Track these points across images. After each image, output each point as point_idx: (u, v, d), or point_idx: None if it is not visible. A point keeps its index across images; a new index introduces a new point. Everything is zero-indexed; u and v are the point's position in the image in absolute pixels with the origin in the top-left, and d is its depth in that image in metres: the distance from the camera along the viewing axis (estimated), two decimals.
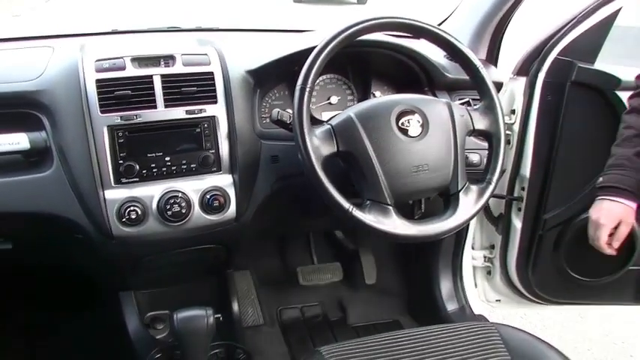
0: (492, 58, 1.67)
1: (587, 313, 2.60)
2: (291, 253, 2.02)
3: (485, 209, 1.92)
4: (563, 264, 1.84)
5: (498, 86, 1.56)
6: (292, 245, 2.03)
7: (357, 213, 1.14)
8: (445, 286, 1.91)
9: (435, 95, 1.50)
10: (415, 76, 1.51)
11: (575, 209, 1.77)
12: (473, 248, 1.99)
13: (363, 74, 1.54)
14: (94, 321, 1.67)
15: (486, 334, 1.32)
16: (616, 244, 1.52)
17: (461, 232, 1.87)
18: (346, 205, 1.14)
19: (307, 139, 1.13)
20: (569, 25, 1.63)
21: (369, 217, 1.15)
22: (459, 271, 1.91)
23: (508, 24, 1.65)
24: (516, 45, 1.76)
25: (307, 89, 1.16)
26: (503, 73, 1.70)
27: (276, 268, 2.02)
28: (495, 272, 1.96)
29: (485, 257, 1.98)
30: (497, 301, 2.03)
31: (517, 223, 1.84)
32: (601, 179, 1.50)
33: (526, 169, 1.75)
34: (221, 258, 1.46)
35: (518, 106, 1.74)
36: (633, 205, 1.46)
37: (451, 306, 1.89)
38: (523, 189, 1.80)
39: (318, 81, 1.51)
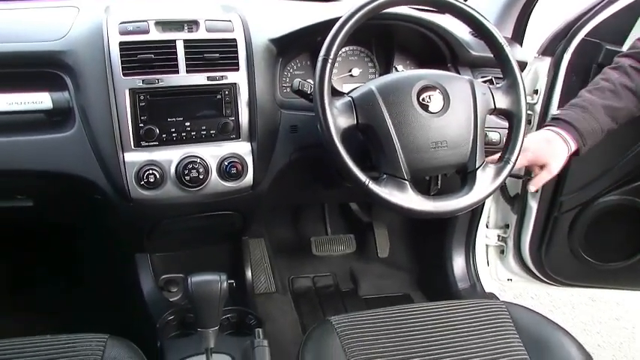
0: (518, 36, 1.65)
1: (598, 296, 2.60)
2: (306, 223, 2.04)
3: (502, 189, 1.92)
4: (577, 247, 1.84)
5: (523, 66, 1.54)
6: (307, 215, 2.04)
7: (373, 186, 1.14)
8: (457, 263, 1.91)
9: (457, 72, 1.48)
10: (438, 51, 1.50)
11: (592, 193, 1.76)
12: (487, 227, 2.00)
13: (386, 47, 1.53)
14: (111, 281, 1.70)
15: (496, 312, 1.33)
16: (532, 187, 1.41)
17: (476, 211, 1.87)
18: (363, 178, 1.14)
19: (327, 111, 1.13)
20: (599, 6, 1.60)
21: (384, 191, 1.15)
22: (471, 248, 1.92)
23: (536, 2, 1.62)
24: (543, 25, 1.74)
25: (330, 60, 1.15)
26: (528, 52, 1.67)
27: (290, 237, 2.04)
28: (508, 252, 1.97)
29: (499, 236, 1.98)
30: (508, 280, 2.03)
31: (533, 203, 1.83)
32: (558, 112, 1.42)
33: None
34: (237, 225, 1.47)
35: (541, 86, 1.72)
36: (572, 146, 1.35)
37: (462, 283, 1.90)
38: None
39: (340, 52, 1.51)
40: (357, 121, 1.17)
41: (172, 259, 1.57)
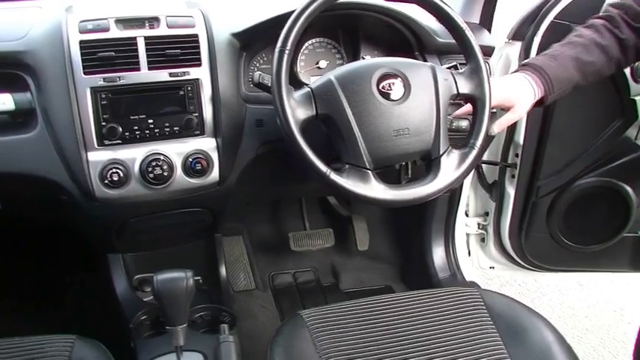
0: (486, 21, 1.64)
1: (586, 281, 2.60)
2: (284, 219, 2.03)
3: (479, 176, 1.92)
4: (556, 231, 1.83)
5: (490, 51, 1.53)
6: (285, 211, 2.03)
7: (335, 177, 1.13)
8: (437, 253, 1.91)
9: (424, 59, 1.47)
10: (405, 40, 1.48)
11: (568, 176, 1.76)
12: (467, 215, 1.99)
13: (353, 39, 1.52)
14: (85, 282, 1.70)
15: (469, 299, 1.32)
16: (495, 127, 1.35)
17: (453, 200, 1.86)
18: (323, 168, 1.13)
19: (285, 102, 1.12)
20: None
21: (346, 181, 1.14)
22: (451, 238, 1.91)
23: None
24: (513, 9, 1.73)
25: (287, 51, 1.14)
26: (497, 38, 1.66)
27: (270, 233, 2.03)
28: (489, 239, 1.96)
29: (479, 224, 1.98)
30: (490, 268, 2.03)
31: (510, 190, 1.83)
32: (527, 59, 1.40)
33: (520, 135, 1.74)
34: (207, 222, 1.46)
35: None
36: (539, 91, 1.32)
37: (442, 273, 1.89)
38: (517, 155, 1.79)
39: (306, 45, 1.50)
40: (317, 111, 1.15)
41: (146, 259, 1.57)
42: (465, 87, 1.24)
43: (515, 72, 1.36)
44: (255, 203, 1.94)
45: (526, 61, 1.38)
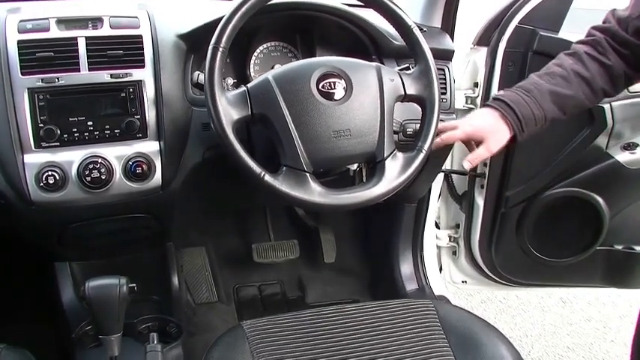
0: (448, 26, 1.60)
1: (569, 298, 2.54)
2: (250, 230, 1.97)
3: (449, 186, 1.87)
4: (526, 243, 1.78)
5: (450, 55, 1.49)
6: (251, 222, 1.98)
7: (269, 178, 1.08)
8: (405, 265, 1.84)
9: (382, 63, 1.43)
10: (362, 42, 1.45)
11: (537, 186, 1.71)
12: (438, 228, 1.93)
13: (310, 42, 1.48)
14: (31, 291, 1.65)
15: (422, 310, 1.27)
16: (465, 163, 1.31)
17: (420, 211, 1.80)
18: (257, 170, 1.08)
19: (217, 101, 1.08)
20: None
21: (282, 184, 1.09)
22: (419, 250, 1.85)
23: None
24: (479, 15, 1.69)
25: (220, 48, 1.10)
26: (460, 43, 1.63)
27: (234, 245, 1.97)
28: (460, 252, 1.91)
29: (450, 237, 1.92)
30: (463, 282, 1.97)
31: (480, 200, 1.78)
32: (501, 92, 1.33)
33: None
34: (154, 229, 1.41)
35: (481, 78, 1.67)
36: (506, 132, 1.26)
37: (411, 286, 1.82)
38: (485, 165, 1.73)
39: (261, 48, 1.47)
40: (252, 111, 1.11)
41: (96, 268, 1.50)
42: (412, 88, 1.20)
43: (487, 105, 1.31)
44: (214, 212, 1.89)
45: (499, 94, 1.32)
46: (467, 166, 1.32)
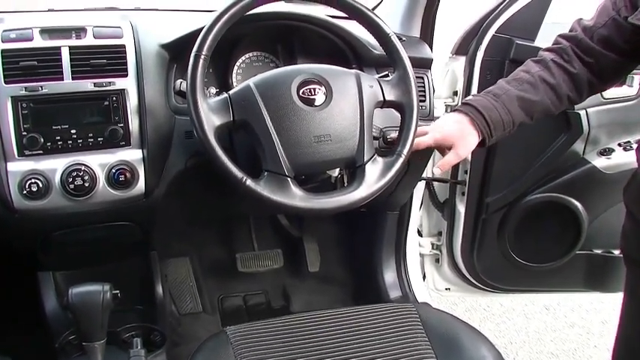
0: (427, 35, 1.63)
1: (552, 305, 2.56)
2: (235, 240, 1.97)
3: (431, 194, 1.89)
4: (507, 249, 1.80)
5: (429, 63, 1.51)
6: (236, 232, 1.98)
7: (250, 183, 1.10)
8: (388, 273, 1.85)
9: (362, 71, 1.45)
10: (342, 52, 1.47)
11: (517, 192, 1.73)
12: (421, 235, 1.95)
13: (291, 52, 1.50)
14: (15, 301, 1.64)
15: (404, 314, 1.28)
16: (436, 170, 1.33)
17: (402, 219, 1.82)
18: (239, 174, 1.10)
19: (199, 107, 1.09)
20: (507, 1, 1.60)
21: (263, 188, 1.11)
22: (402, 258, 1.86)
23: (439, 1, 1.60)
24: (457, 24, 1.73)
25: (202, 56, 1.12)
26: (440, 52, 1.66)
27: (219, 254, 1.97)
28: (443, 260, 1.93)
29: (433, 244, 1.94)
30: (446, 289, 1.99)
31: (461, 207, 1.80)
32: (470, 97, 1.34)
33: None
34: (137, 237, 1.42)
35: (460, 87, 1.70)
36: (475, 137, 1.28)
37: (394, 293, 1.83)
38: (466, 172, 1.76)
39: (243, 59, 1.48)
40: (234, 117, 1.13)
41: (80, 278, 1.51)
42: (391, 94, 1.22)
43: (454, 110, 1.33)
44: (198, 222, 1.90)
45: (468, 99, 1.33)
46: (437, 172, 1.35)
